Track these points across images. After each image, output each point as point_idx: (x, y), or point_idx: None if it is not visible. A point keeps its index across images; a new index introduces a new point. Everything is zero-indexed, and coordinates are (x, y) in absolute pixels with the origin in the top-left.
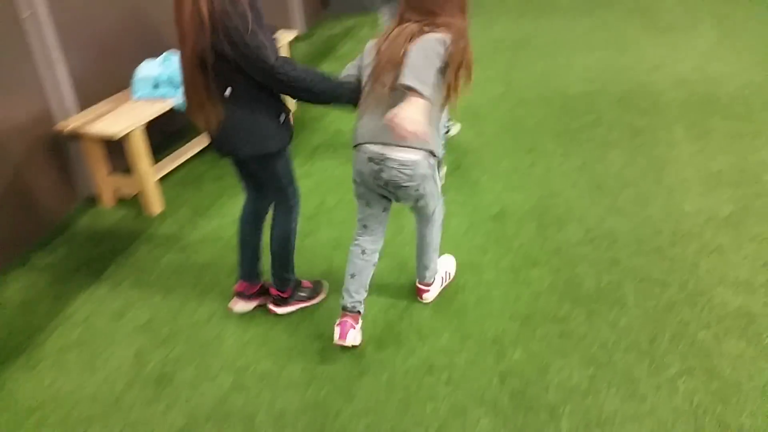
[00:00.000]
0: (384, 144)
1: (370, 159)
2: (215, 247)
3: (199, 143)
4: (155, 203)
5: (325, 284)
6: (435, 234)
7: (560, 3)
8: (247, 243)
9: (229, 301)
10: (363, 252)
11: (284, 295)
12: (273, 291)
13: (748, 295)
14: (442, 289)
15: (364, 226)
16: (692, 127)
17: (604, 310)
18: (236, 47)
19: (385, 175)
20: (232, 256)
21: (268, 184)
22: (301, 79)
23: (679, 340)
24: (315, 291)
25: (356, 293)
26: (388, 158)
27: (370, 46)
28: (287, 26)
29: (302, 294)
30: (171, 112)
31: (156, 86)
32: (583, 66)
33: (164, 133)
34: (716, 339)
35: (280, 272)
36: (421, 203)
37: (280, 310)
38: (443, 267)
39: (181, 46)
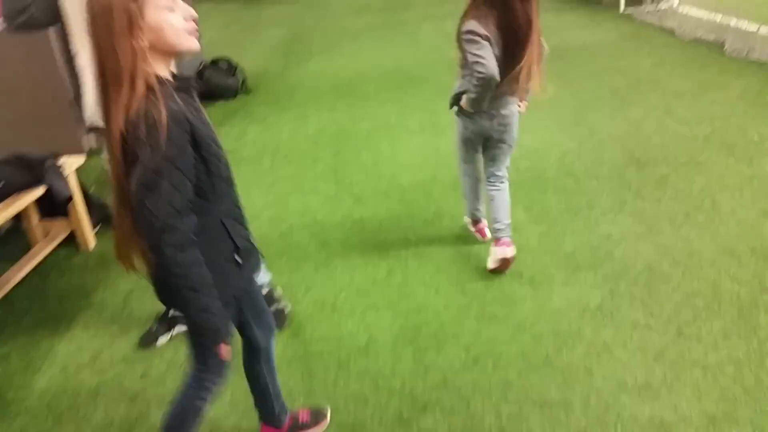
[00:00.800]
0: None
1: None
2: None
3: None
4: None
5: None
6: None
7: (367, 91)
8: (251, 387)
9: None
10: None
11: None
12: None
13: (653, 400)
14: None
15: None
16: (530, 207)
17: None
18: (134, 180)
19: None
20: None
21: (192, 341)
22: (183, 273)
23: None
24: None
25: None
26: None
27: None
28: (74, 151)
29: None
30: None
31: None
32: (407, 152)
33: None
34: None
35: None
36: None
37: None
38: None
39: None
